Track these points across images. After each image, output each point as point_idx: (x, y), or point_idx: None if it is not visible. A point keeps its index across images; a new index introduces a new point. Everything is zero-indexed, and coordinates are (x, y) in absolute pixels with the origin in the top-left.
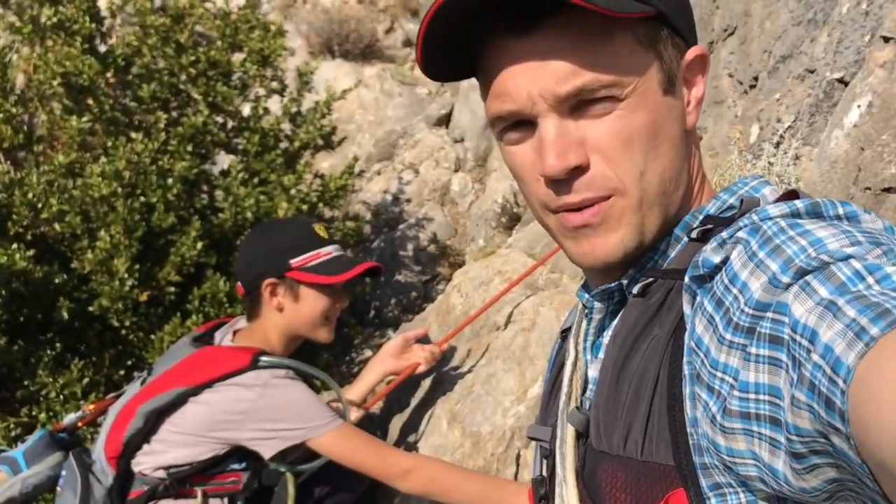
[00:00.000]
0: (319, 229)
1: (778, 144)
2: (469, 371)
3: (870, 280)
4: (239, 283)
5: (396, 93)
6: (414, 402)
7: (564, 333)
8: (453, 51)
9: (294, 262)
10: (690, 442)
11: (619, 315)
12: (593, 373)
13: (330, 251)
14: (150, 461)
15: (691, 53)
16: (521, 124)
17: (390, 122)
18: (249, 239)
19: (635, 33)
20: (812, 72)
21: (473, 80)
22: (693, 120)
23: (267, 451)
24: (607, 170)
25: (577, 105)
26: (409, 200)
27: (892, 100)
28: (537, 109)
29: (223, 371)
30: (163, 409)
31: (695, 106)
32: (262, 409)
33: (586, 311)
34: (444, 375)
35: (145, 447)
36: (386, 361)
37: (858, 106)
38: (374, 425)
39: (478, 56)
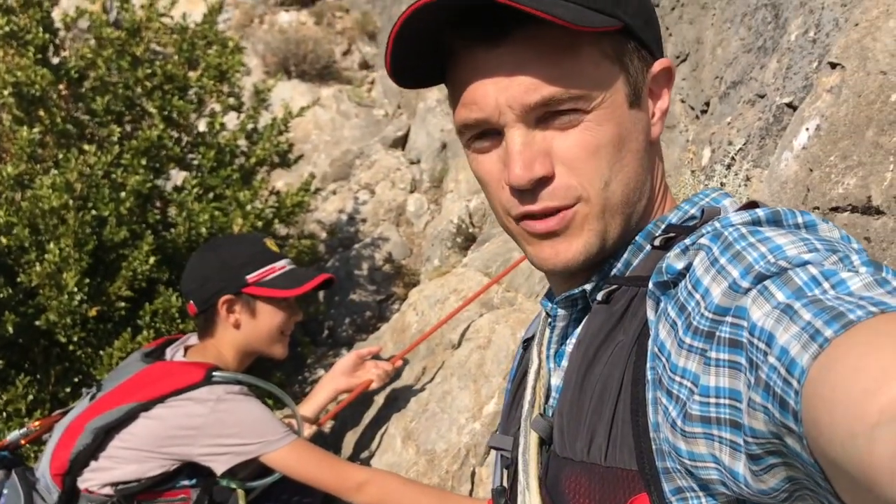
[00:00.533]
0: (271, 244)
1: (729, 166)
2: (424, 389)
3: (826, 285)
4: (191, 302)
5: (353, 114)
6: (368, 419)
7: (527, 343)
8: (422, 58)
9: (250, 277)
10: (653, 447)
11: (582, 323)
12: (556, 381)
13: (283, 265)
14: (97, 478)
15: (657, 66)
16: (488, 133)
17: (346, 142)
18: (199, 257)
19: (601, 46)
20: (762, 97)
21: (430, 104)
22: (658, 131)
23: (220, 467)
24: (572, 180)
25: (544, 116)
26: (364, 220)
27: (839, 123)
28: (504, 119)
29: (176, 386)
30: (113, 424)
31: (659, 118)
32: (215, 424)
33: (549, 319)
34: (399, 393)
35: (93, 464)
36: (338, 379)
37: (807, 129)
38: (327, 443)
39: (447, 64)
